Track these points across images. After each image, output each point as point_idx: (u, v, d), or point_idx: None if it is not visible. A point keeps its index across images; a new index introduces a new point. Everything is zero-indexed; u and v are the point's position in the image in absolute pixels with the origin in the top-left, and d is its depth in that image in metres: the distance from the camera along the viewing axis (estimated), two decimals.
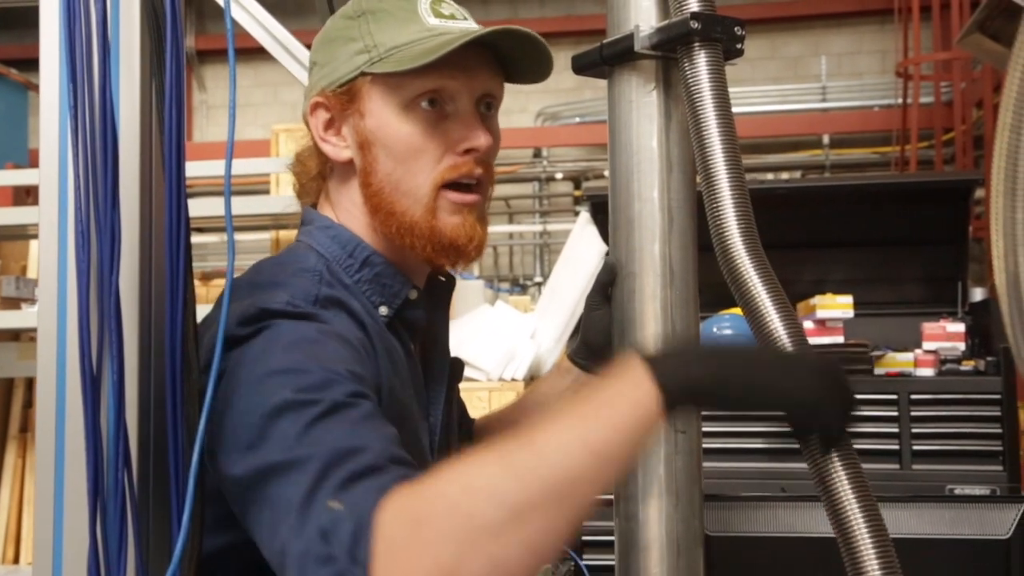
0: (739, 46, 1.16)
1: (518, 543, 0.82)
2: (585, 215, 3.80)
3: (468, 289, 4.24)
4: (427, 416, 1.31)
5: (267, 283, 1.16)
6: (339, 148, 1.25)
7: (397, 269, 1.26)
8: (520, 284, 9.73)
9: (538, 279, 9.59)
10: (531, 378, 3.46)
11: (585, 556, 3.36)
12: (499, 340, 3.47)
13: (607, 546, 1.30)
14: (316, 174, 1.30)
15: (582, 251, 3.56)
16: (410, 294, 1.27)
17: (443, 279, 1.39)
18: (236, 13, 2.35)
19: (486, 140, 1.22)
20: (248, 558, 1.09)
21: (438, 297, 1.39)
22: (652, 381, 0.89)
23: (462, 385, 3.56)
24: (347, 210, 1.27)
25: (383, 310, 1.24)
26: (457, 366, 1.44)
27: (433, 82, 1.20)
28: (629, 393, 0.89)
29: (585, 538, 3.68)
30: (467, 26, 1.24)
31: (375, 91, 1.21)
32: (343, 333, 1.12)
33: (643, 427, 0.88)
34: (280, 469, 0.97)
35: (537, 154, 9.76)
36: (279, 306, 1.10)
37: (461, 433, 1.48)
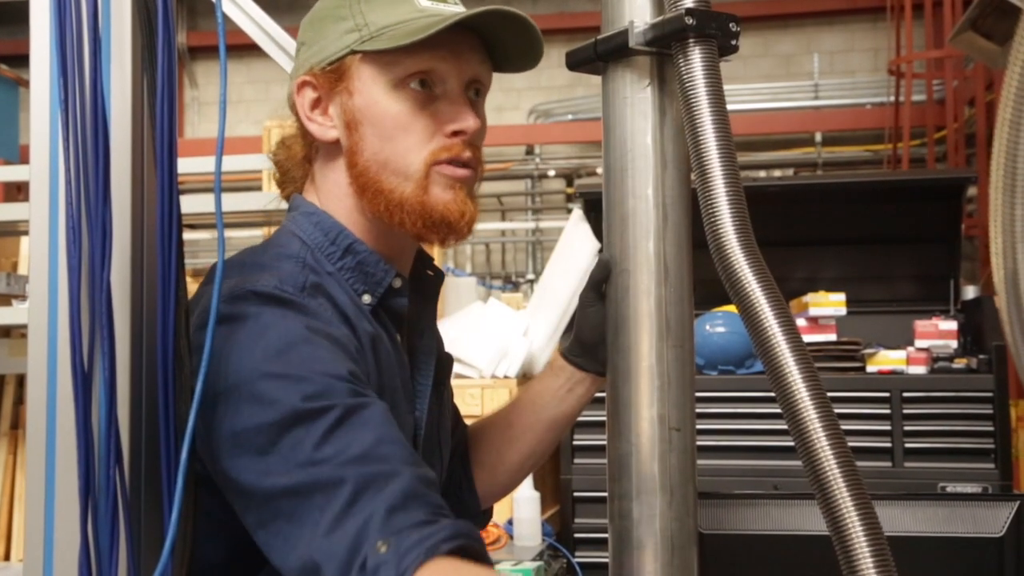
0: (734, 42, 1.16)
1: None
2: (578, 212, 3.80)
3: (461, 286, 4.23)
4: (413, 410, 1.31)
5: (253, 264, 1.17)
6: (325, 127, 1.24)
7: (380, 256, 1.26)
8: (512, 281, 9.72)
9: (530, 276, 9.58)
10: (523, 375, 3.46)
11: (577, 554, 3.36)
12: (491, 337, 3.47)
13: (600, 544, 1.30)
14: (302, 158, 1.29)
15: (575, 248, 3.56)
16: (394, 282, 1.27)
17: (431, 273, 1.39)
18: (228, 9, 2.34)
19: (475, 123, 1.22)
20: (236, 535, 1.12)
21: (426, 291, 1.39)
22: None
23: (455, 382, 3.54)
24: (331, 193, 1.26)
25: (366, 298, 1.24)
26: (446, 362, 1.44)
27: (424, 63, 1.20)
28: None
29: (578, 536, 3.69)
30: (458, 9, 1.24)
31: (365, 69, 1.21)
32: (332, 332, 1.12)
33: None
34: (304, 491, 0.99)
35: (529, 151, 9.75)
36: (267, 289, 1.11)
37: (453, 438, 1.48)
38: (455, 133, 1.21)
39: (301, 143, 1.29)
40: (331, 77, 1.22)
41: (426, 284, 1.38)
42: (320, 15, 1.26)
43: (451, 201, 1.21)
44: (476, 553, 0.98)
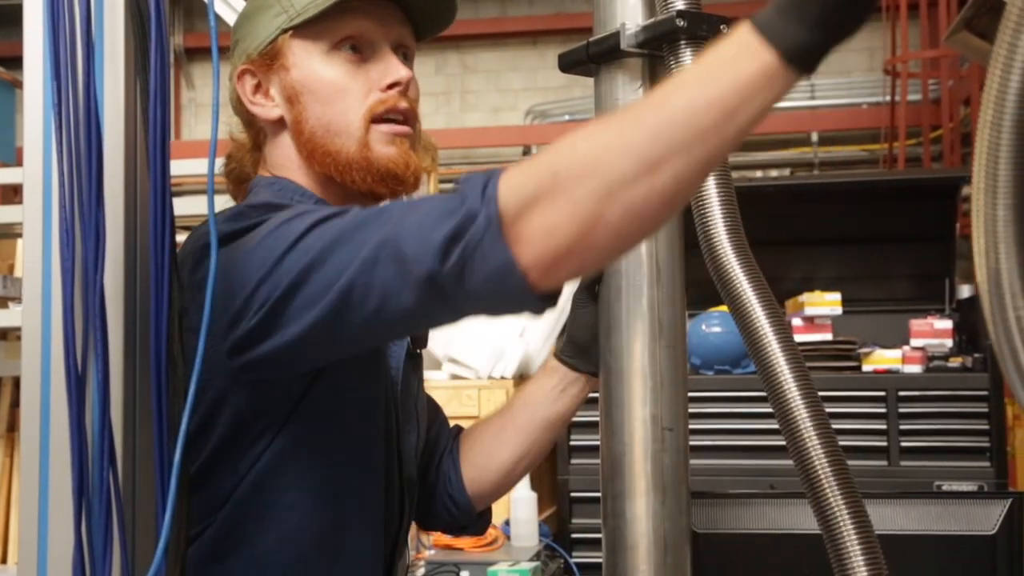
0: None
1: (652, 192, 0.88)
2: None
3: None
4: (390, 368, 1.34)
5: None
6: (268, 107, 1.32)
7: None
8: None
9: None
10: (520, 376, 3.46)
11: (575, 554, 3.36)
12: (488, 338, 3.47)
13: (597, 544, 1.30)
14: (251, 148, 1.36)
15: None
16: None
17: None
18: (222, 11, 2.34)
19: (407, 72, 1.29)
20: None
21: None
22: (761, 43, 0.87)
23: (451, 383, 3.55)
24: (284, 167, 1.32)
25: None
26: (420, 333, 1.45)
27: (351, 27, 1.28)
28: (745, 57, 0.87)
29: (575, 536, 3.69)
30: None
31: (296, 44, 1.29)
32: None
33: (764, 85, 0.87)
34: (321, 258, 1.03)
35: (527, 152, 9.75)
36: (262, 200, 1.20)
37: (433, 428, 1.49)
38: (390, 86, 1.28)
39: (248, 132, 1.36)
40: (267, 59, 1.30)
41: None
42: (248, 12, 1.34)
43: (395, 155, 1.27)
44: None
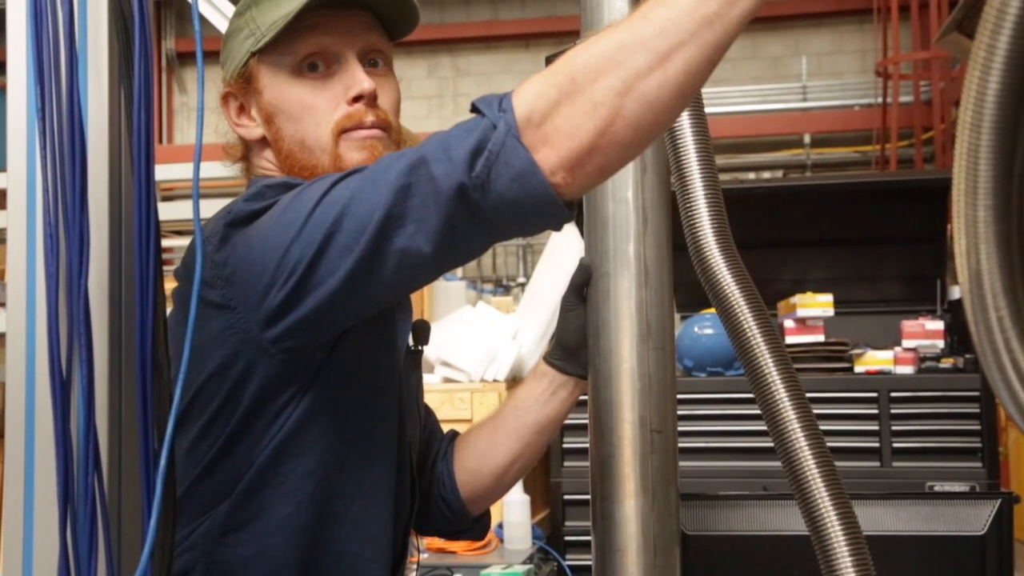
0: None
1: (665, 82, 0.94)
2: None
3: (450, 290, 4.23)
4: (399, 351, 1.36)
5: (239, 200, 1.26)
6: (251, 128, 1.35)
7: None
8: (503, 285, 9.72)
9: (521, 280, 9.58)
10: (512, 379, 3.46)
11: (568, 556, 3.36)
12: (480, 341, 3.47)
13: (590, 546, 1.30)
14: (240, 158, 1.40)
15: (564, 251, 3.56)
16: None
17: None
18: (211, 15, 2.34)
19: (369, 84, 1.30)
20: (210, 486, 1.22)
21: None
22: None
23: (444, 386, 3.53)
24: (269, 171, 1.35)
25: None
26: (422, 329, 1.47)
27: (313, 45, 1.30)
28: None
29: (568, 539, 3.69)
30: None
31: (264, 66, 1.32)
32: None
33: None
34: (350, 205, 1.07)
35: None
36: (279, 180, 1.26)
37: (425, 431, 1.49)
38: (355, 99, 1.30)
39: (239, 148, 1.39)
40: (243, 83, 1.33)
41: None
42: (227, 33, 1.36)
43: (368, 158, 1.28)
44: None
